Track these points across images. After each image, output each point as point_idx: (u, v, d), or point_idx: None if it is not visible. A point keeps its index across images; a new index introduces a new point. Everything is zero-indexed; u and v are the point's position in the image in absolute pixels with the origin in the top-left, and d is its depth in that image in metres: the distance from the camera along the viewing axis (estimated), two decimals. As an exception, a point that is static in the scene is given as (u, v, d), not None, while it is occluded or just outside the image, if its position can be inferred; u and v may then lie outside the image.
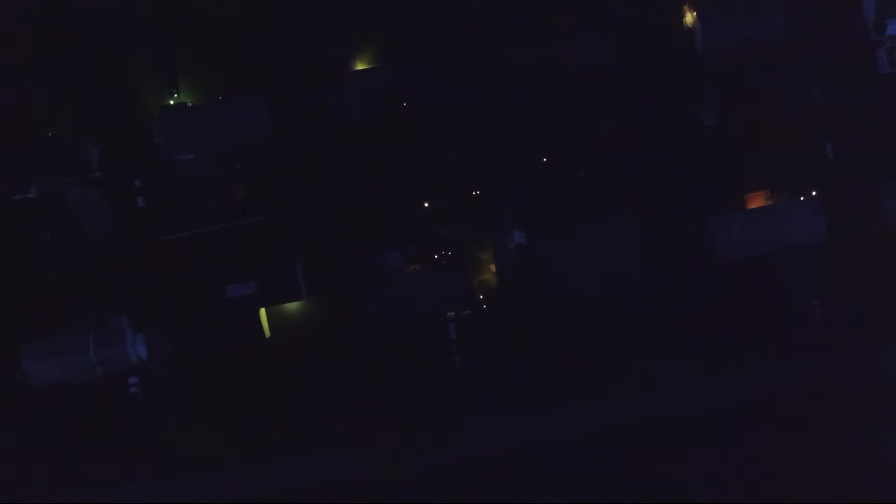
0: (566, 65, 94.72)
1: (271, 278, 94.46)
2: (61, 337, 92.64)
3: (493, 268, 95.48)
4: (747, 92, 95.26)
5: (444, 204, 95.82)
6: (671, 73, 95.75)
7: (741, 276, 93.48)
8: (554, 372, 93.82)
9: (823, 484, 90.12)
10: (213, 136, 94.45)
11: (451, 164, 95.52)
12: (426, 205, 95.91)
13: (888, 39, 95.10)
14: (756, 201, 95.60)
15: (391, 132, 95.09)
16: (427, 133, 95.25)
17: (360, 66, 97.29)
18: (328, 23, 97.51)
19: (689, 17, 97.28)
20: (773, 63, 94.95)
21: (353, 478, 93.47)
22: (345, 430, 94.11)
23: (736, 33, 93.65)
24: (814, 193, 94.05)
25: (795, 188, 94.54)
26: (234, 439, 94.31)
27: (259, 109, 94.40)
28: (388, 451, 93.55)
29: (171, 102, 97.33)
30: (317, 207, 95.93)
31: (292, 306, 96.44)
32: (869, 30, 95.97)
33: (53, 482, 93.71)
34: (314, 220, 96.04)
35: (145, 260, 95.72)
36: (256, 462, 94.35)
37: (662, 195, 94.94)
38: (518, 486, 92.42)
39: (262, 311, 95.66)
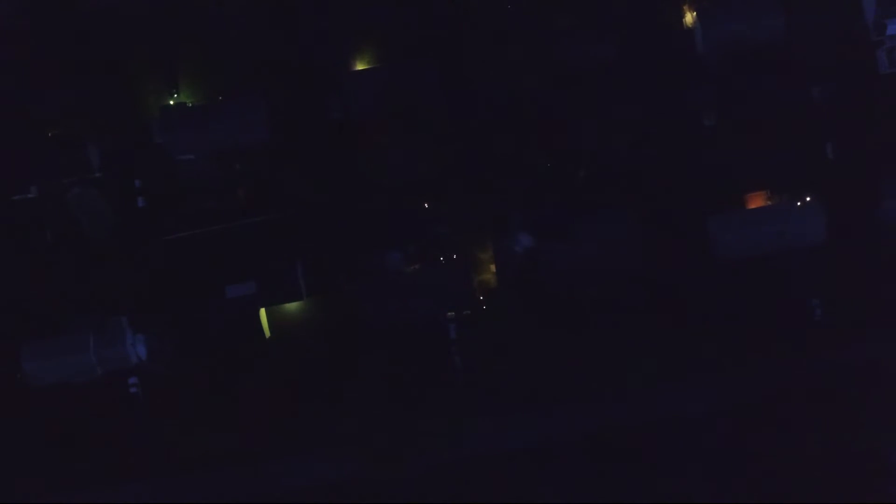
0: (566, 65, 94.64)
1: (271, 278, 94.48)
2: (61, 337, 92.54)
3: (493, 268, 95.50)
4: (747, 92, 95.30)
5: (444, 204, 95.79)
6: (671, 73, 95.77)
7: (741, 276, 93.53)
8: (554, 372, 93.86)
9: (823, 484, 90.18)
10: (213, 136, 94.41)
11: (452, 164, 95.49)
12: (426, 205, 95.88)
13: (888, 39, 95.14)
14: (756, 201, 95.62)
15: (391, 132, 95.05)
16: (427, 133, 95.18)
17: (360, 67, 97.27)
18: (328, 23, 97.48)
19: (689, 17, 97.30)
20: (773, 63, 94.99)
21: (353, 478, 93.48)
22: (345, 430, 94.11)
23: (736, 33, 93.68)
24: (813, 194, 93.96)
25: (795, 188, 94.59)
26: (234, 439, 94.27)
27: (259, 109, 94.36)
28: (388, 451, 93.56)
29: (171, 102, 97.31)
30: (317, 207, 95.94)
31: (292, 306, 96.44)
32: (869, 30, 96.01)
33: (53, 482, 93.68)
34: (314, 220, 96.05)
35: (145, 260, 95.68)
36: (256, 462, 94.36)
37: (662, 195, 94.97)
38: (518, 486, 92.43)
39: (262, 311, 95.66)
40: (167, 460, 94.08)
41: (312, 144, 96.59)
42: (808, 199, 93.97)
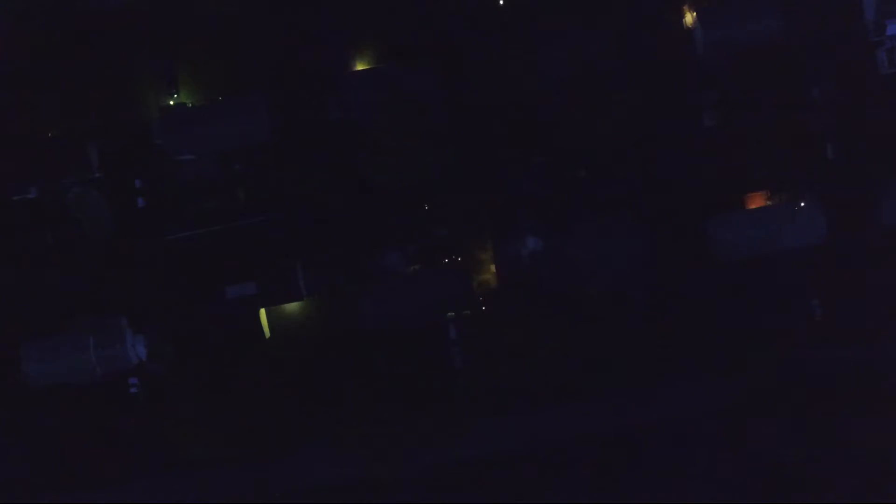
0: (566, 65, 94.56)
1: (271, 278, 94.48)
2: (61, 337, 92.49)
3: (493, 268, 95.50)
4: (747, 92, 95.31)
5: (444, 204, 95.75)
6: (671, 73, 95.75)
7: (741, 277, 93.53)
8: (554, 372, 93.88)
9: (823, 484, 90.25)
10: (213, 136, 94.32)
11: (452, 164, 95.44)
12: (426, 206, 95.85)
13: (888, 39, 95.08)
14: (756, 201, 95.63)
15: (391, 132, 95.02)
16: (427, 133, 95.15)
17: (360, 67, 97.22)
18: (328, 23, 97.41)
19: (689, 18, 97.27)
20: (773, 63, 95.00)
21: (353, 478, 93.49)
22: (345, 430, 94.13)
23: (736, 33, 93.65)
24: (813, 194, 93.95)
25: (795, 188, 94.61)
26: (234, 439, 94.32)
27: (259, 109, 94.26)
28: (389, 451, 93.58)
29: (171, 103, 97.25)
30: (317, 207, 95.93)
31: (292, 306, 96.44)
32: (869, 30, 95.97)
33: (53, 482, 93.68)
34: (314, 220, 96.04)
35: (145, 260, 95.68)
36: (256, 462, 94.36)
37: (662, 195, 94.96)
38: (518, 486, 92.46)
39: (262, 311, 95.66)
40: (167, 460, 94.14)
41: (312, 144, 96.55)
42: (807, 199, 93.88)
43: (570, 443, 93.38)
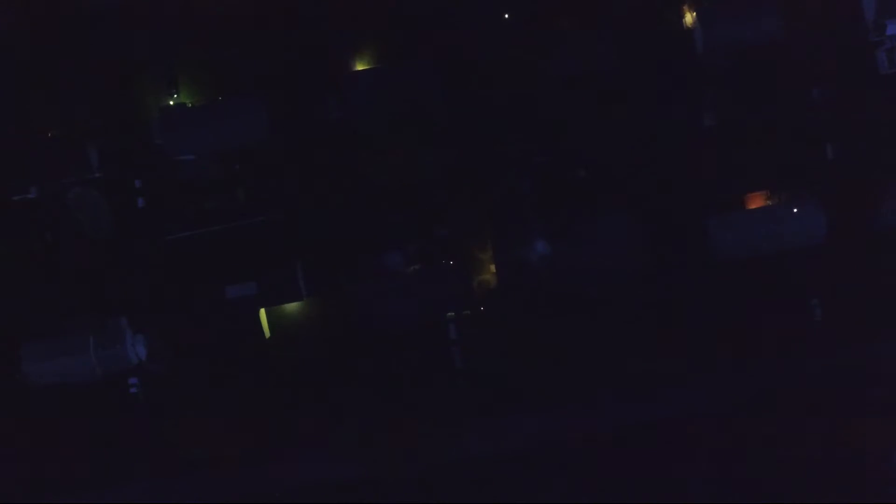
0: (566, 65, 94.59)
1: (271, 278, 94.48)
2: (61, 337, 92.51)
3: (493, 268, 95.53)
4: (747, 92, 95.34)
5: (444, 205, 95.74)
6: (671, 73, 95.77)
7: (741, 276, 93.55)
8: (554, 372, 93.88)
9: (823, 484, 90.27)
10: (213, 136, 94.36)
11: (452, 164, 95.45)
12: (426, 206, 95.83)
13: (888, 39, 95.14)
14: (756, 201, 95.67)
15: (391, 132, 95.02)
16: (427, 133, 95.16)
17: (360, 67, 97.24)
18: (328, 23, 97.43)
19: (689, 18, 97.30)
20: (773, 63, 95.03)
21: (353, 478, 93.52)
22: (345, 430, 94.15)
23: (736, 34, 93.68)
24: (813, 194, 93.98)
25: (795, 188, 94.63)
26: (234, 439, 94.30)
27: (259, 109, 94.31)
28: (388, 451, 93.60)
29: (171, 103, 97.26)
30: (317, 207, 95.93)
31: (292, 306, 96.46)
32: (869, 30, 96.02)
33: (53, 482, 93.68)
34: (314, 220, 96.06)
35: (145, 260, 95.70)
36: (256, 462, 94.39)
37: (662, 195, 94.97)
38: (518, 486, 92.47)
39: (262, 311, 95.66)
40: (167, 460, 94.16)
41: (312, 144, 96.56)
42: (807, 199, 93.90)
43: (570, 443, 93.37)
